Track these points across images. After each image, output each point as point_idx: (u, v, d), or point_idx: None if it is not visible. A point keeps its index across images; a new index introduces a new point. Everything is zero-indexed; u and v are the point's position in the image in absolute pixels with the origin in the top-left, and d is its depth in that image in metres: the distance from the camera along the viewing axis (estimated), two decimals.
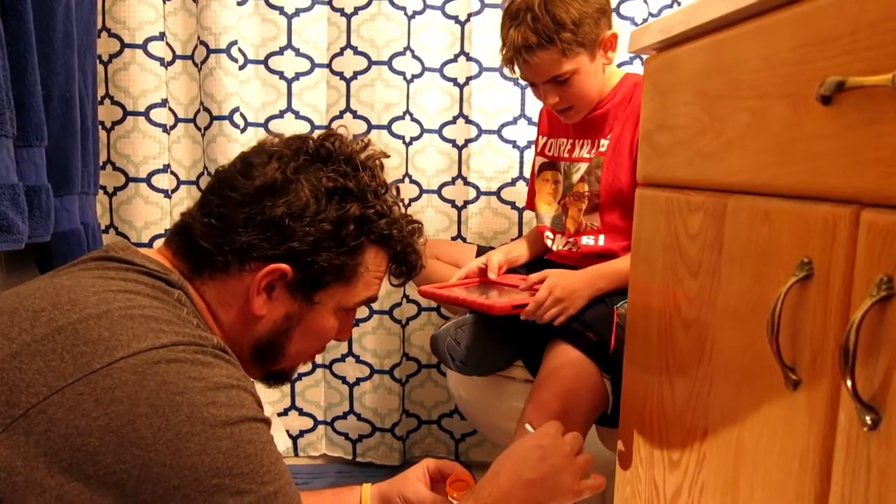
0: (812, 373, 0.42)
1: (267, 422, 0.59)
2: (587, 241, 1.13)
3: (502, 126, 1.54)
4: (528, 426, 0.83)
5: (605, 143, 1.13)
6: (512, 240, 1.46)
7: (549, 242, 1.23)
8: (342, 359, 1.58)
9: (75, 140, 1.03)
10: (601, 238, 1.12)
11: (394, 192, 0.75)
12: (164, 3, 1.42)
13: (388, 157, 0.76)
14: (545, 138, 1.27)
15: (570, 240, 1.17)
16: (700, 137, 0.59)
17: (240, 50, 1.45)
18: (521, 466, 0.74)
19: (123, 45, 1.37)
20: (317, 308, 0.71)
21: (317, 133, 0.74)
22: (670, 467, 0.63)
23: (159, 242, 1.42)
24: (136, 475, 0.51)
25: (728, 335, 0.53)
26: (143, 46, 1.37)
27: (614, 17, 1.51)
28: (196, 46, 1.45)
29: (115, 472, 0.51)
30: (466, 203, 1.57)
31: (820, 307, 0.42)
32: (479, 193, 1.56)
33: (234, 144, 1.44)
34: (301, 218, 0.67)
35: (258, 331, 0.70)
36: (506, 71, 1.25)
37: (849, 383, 0.36)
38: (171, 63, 1.46)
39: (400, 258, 0.75)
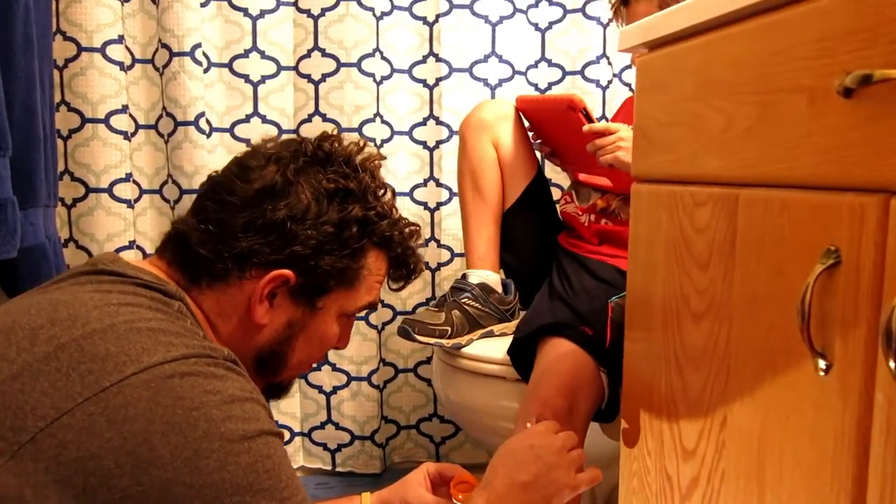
0: (844, 357, 0.43)
1: (281, 435, 0.58)
2: (605, 222, 1.15)
3: None
4: (529, 426, 0.83)
5: None
6: None
7: (563, 203, 1.25)
8: (318, 368, 1.55)
9: (39, 149, 0.98)
10: (618, 226, 1.14)
11: (390, 193, 0.74)
12: (123, 4, 1.36)
13: (385, 158, 0.76)
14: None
15: (592, 215, 1.17)
16: (703, 132, 0.60)
17: (203, 53, 1.41)
18: (514, 470, 0.73)
19: (80, 49, 1.31)
20: (320, 314, 0.69)
21: (312, 135, 0.73)
22: (684, 457, 0.64)
23: (128, 254, 1.37)
24: (155, 497, 0.49)
25: (746, 325, 0.54)
26: (102, 50, 1.32)
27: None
28: (157, 49, 1.40)
29: (131, 496, 0.48)
30: (439, 205, 1.56)
31: (851, 293, 0.43)
32: (452, 195, 1.55)
33: (200, 150, 1.39)
34: (303, 221, 0.65)
35: (259, 341, 0.68)
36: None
37: (892, 364, 0.37)
38: (130, 67, 1.40)
39: (400, 261, 0.74)
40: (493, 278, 1.17)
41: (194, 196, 1.35)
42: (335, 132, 0.74)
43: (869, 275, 0.42)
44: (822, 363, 0.45)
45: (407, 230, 0.74)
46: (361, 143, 0.73)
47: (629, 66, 1.63)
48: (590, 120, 1.07)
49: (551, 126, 1.18)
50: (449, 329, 1.07)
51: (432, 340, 1.06)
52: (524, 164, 1.19)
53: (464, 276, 1.17)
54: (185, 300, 0.63)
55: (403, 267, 0.75)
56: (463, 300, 1.12)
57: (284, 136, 0.73)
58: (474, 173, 1.18)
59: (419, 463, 1.62)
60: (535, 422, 0.84)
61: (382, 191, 0.72)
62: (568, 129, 1.10)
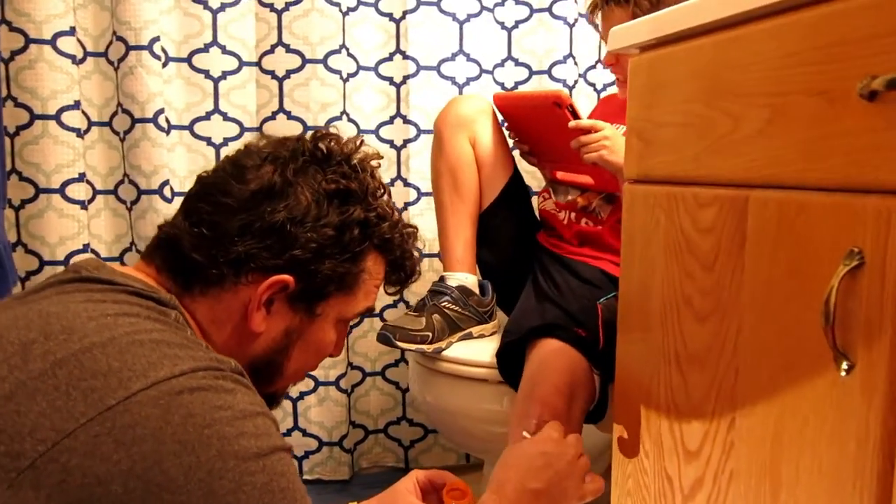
0: (868, 357, 0.44)
1: (290, 449, 0.55)
2: (585, 222, 1.14)
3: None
4: (525, 434, 0.82)
5: None
6: None
7: (542, 200, 1.24)
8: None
9: None
10: (598, 226, 1.13)
11: (388, 194, 0.72)
12: None
13: (382, 157, 0.73)
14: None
15: (572, 213, 1.17)
16: (707, 134, 0.60)
17: (161, 47, 1.35)
18: (526, 475, 0.73)
19: (28, 41, 1.23)
20: (318, 321, 0.66)
21: (308, 133, 0.70)
22: (687, 458, 0.65)
23: (80, 257, 1.29)
24: None
25: (758, 326, 0.54)
26: (52, 42, 1.24)
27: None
28: (111, 42, 1.33)
29: None
30: (407, 205, 1.54)
31: (875, 294, 0.43)
32: (420, 195, 1.53)
33: (159, 149, 1.33)
34: (303, 223, 0.62)
35: (254, 350, 0.65)
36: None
37: None
38: (81, 61, 1.33)
39: (398, 264, 0.72)
40: (472, 280, 1.16)
41: (153, 197, 1.32)
42: (329, 133, 0.70)
43: (894, 276, 0.42)
44: (844, 364, 0.45)
45: (406, 232, 0.72)
46: (359, 142, 0.70)
47: (593, 67, 1.64)
48: (576, 117, 1.07)
49: (532, 122, 1.17)
50: (430, 334, 1.05)
51: (414, 346, 1.04)
52: (502, 162, 1.18)
53: (442, 279, 1.15)
54: (179, 309, 0.59)
55: (402, 270, 0.73)
56: (443, 304, 1.10)
57: (280, 135, 0.70)
58: (452, 172, 1.16)
59: (387, 468, 1.62)
60: (535, 424, 0.83)
61: (382, 191, 0.69)
62: (551, 125, 1.09)
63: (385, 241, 0.68)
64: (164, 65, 1.37)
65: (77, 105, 1.28)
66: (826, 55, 0.47)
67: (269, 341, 0.65)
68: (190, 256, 0.61)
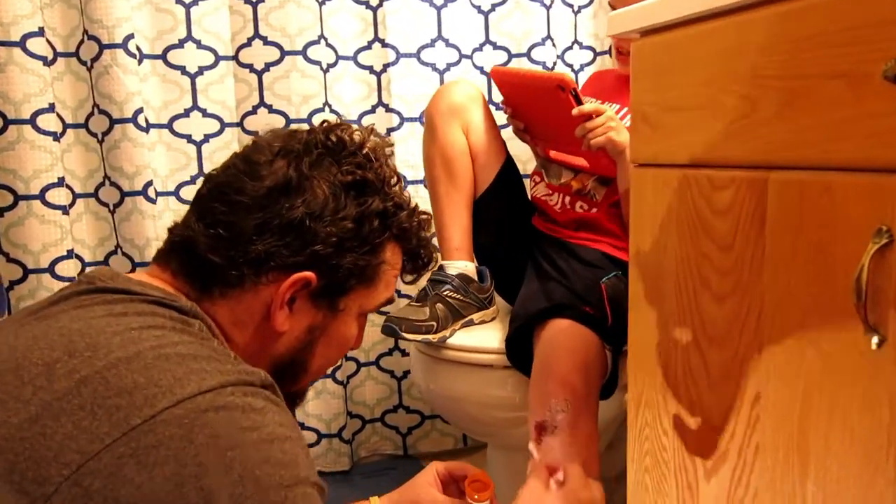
0: None
1: (321, 488, 0.54)
2: (580, 206, 1.14)
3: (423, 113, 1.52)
4: (553, 481, 0.84)
5: None
6: None
7: (532, 185, 1.24)
8: None
9: None
10: (593, 210, 1.14)
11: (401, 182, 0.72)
12: None
13: (393, 144, 0.73)
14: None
15: (566, 197, 1.17)
16: (721, 117, 0.61)
17: (136, 45, 1.31)
18: None
19: None
20: (340, 316, 0.66)
21: (318, 124, 0.69)
22: (709, 433, 0.66)
23: (68, 265, 1.26)
24: None
25: (781, 304, 0.56)
26: (21, 44, 1.20)
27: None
28: (82, 41, 1.29)
29: None
30: None
31: None
32: (406, 183, 1.53)
33: (140, 149, 1.30)
34: (321, 218, 0.61)
35: (278, 350, 0.65)
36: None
37: None
38: (52, 62, 1.28)
39: (415, 252, 0.72)
40: (471, 268, 1.16)
41: (137, 198, 1.29)
42: (339, 123, 0.69)
43: None
44: (875, 338, 0.47)
45: (422, 220, 0.72)
46: (369, 129, 0.69)
47: (570, 48, 1.65)
48: (578, 101, 1.06)
49: (531, 102, 1.16)
50: (434, 324, 1.06)
51: (419, 337, 1.04)
52: (495, 149, 1.18)
53: (441, 268, 1.15)
54: (202, 317, 0.58)
55: (419, 258, 0.73)
56: (444, 293, 1.11)
57: (290, 127, 0.69)
58: (446, 161, 1.16)
59: (386, 455, 1.62)
60: (557, 476, 0.85)
61: (396, 179, 0.69)
62: (552, 107, 1.08)
63: (403, 230, 0.68)
64: (139, 62, 1.33)
65: (52, 108, 1.24)
66: (845, 38, 0.48)
67: (293, 340, 0.64)
68: (207, 259, 0.60)
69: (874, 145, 0.47)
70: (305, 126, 1.44)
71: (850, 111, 0.48)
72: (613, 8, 1.21)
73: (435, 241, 1.43)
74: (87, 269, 0.59)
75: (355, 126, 0.69)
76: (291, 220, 0.60)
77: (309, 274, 0.61)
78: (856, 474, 0.50)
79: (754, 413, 0.60)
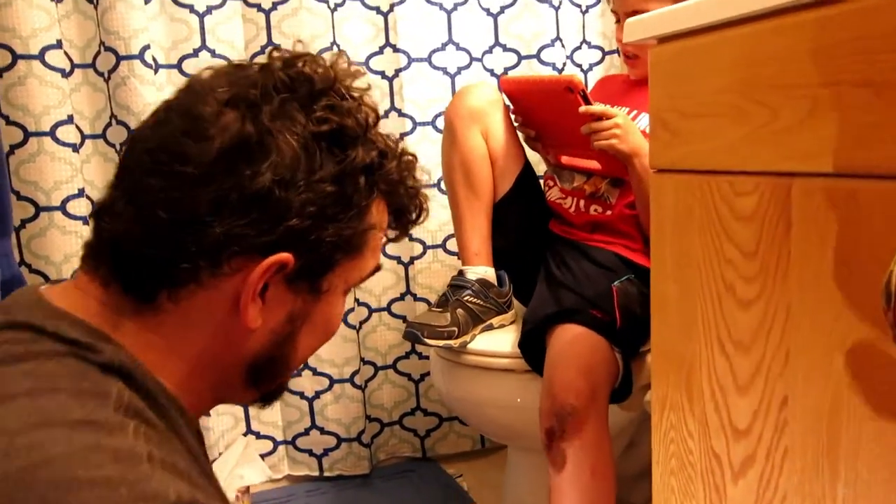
0: None
1: None
2: (595, 209, 1.15)
3: (439, 116, 1.53)
4: None
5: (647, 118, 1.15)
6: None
7: (546, 189, 1.25)
8: (298, 374, 1.51)
9: (3, 173, 0.90)
10: (608, 213, 1.14)
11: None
12: (56, 5, 1.25)
13: (365, 73, 0.59)
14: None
15: (580, 200, 1.18)
16: (743, 125, 0.62)
17: (152, 56, 1.32)
18: None
19: (16, 57, 1.20)
20: (325, 297, 0.54)
21: (261, 58, 0.54)
22: (735, 436, 0.67)
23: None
24: None
25: (808, 309, 0.57)
26: (41, 57, 1.21)
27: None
28: (98, 53, 1.30)
29: None
30: None
31: None
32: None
33: None
34: (293, 183, 0.48)
35: (251, 348, 0.52)
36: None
37: None
38: (69, 73, 1.30)
39: (405, 205, 0.59)
40: (490, 273, 1.17)
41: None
42: (301, 53, 0.54)
43: None
44: None
45: (408, 161, 0.59)
46: (338, 55, 0.55)
47: (579, 48, 1.65)
48: (588, 102, 1.07)
49: (541, 107, 1.17)
50: (455, 329, 1.07)
51: (441, 343, 1.05)
52: (514, 153, 1.19)
53: (461, 273, 1.16)
54: (127, 368, 0.45)
55: (410, 211, 0.60)
56: (465, 298, 1.12)
57: (227, 65, 0.54)
58: (466, 167, 1.16)
59: (404, 458, 1.63)
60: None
61: (375, 117, 0.55)
62: (561, 110, 1.09)
63: (392, 183, 0.56)
64: (156, 72, 1.34)
65: (70, 119, 1.25)
66: (874, 45, 0.49)
67: (269, 334, 0.52)
68: (145, 255, 0.47)
69: None
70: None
71: (874, 119, 0.49)
72: (615, 14, 1.22)
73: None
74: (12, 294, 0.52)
75: (317, 54, 0.54)
76: (256, 190, 0.47)
77: (284, 255, 0.49)
78: (886, 479, 0.51)
79: (782, 417, 0.61)
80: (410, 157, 0.59)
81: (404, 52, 1.50)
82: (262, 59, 0.54)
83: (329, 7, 1.42)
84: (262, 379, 0.55)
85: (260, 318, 0.51)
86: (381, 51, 1.51)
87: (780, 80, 0.57)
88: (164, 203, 0.46)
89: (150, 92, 1.29)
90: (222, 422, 1.47)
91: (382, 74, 1.52)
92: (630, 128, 1.02)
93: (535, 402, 1.07)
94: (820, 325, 0.56)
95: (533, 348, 1.04)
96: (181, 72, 1.39)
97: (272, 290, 0.50)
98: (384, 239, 0.59)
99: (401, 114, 1.52)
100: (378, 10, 1.49)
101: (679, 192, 0.72)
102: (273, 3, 1.39)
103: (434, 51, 1.53)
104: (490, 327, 1.16)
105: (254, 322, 0.50)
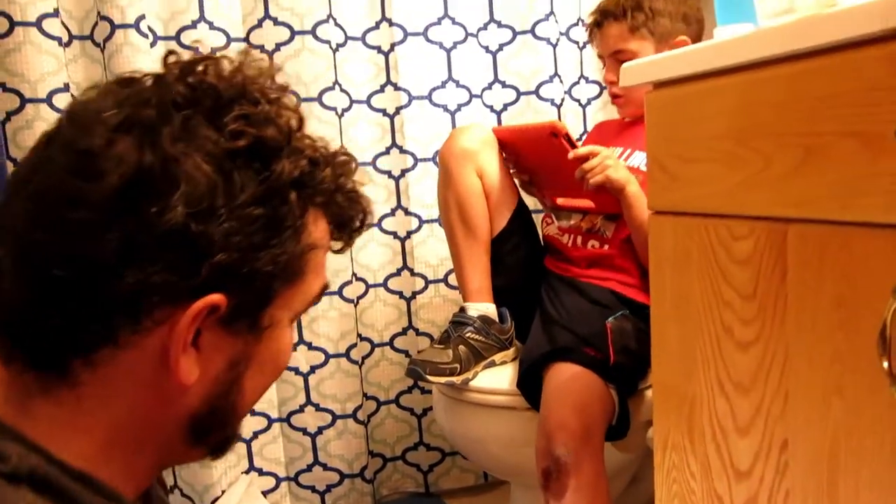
0: None
1: None
2: (592, 245, 1.16)
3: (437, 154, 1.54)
4: None
5: (640, 155, 1.16)
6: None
7: (545, 226, 1.27)
8: (300, 409, 1.51)
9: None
10: (605, 247, 1.16)
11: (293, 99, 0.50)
12: None
13: (281, 69, 0.54)
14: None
15: (578, 236, 1.19)
16: (739, 171, 0.63)
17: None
18: None
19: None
20: (268, 333, 0.47)
21: (169, 64, 0.46)
22: (738, 478, 0.67)
23: None
24: None
25: (805, 352, 0.57)
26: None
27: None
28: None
29: None
30: (410, 233, 1.55)
31: None
32: (422, 222, 1.55)
33: None
34: (212, 213, 0.41)
35: (190, 404, 0.46)
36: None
37: None
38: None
39: (347, 214, 0.52)
40: (491, 309, 1.18)
41: None
42: (199, 57, 0.46)
43: None
44: None
45: (344, 168, 0.51)
46: (244, 52, 0.48)
47: (577, 83, 1.68)
48: (572, 145, 1.10)
49: (531, 153, 1.20)
50: (458, 366, 1.07)
51: (444, 380, 1.05)
52: (508, 190, 1.21)
53: (462, 310, 1.17)
54: (35, 476, 0.40)
55: (352, 221, 0.53)
56: (467, 334, 1.12)
57: (113, 82, 0.47)
58: (462, 206, 1.18)
59: (408, 493, 1.62)
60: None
61: (298, 120, 0.48)
62: (549, 155, 1.12)
63: (327, 193, 0.49)
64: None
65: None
66: (860, 98, 0.50)
67: (209, 385, 0.46)
68: (45, 326, 0.40)
69: (890, 203, 0.49)
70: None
71: (865, 169, 0.50)
72: (600, 57, 1.26)
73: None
74: None
75: (221, 54, 0.47)
76: (168, 228, 0.40)
77: (214, 297, 0.42)
78: None
79: (783, 459, 0.61)
80: (345, 158, 0.51)
81: (405, 90, 1.53)
82: (157, 69, 0.46)
83: (331, 48, 1.45)
84: (208, 434, 0.49)
85: (196, 370, 0.44)
86: (382, 89, 1.54)
87: (774, 128, 0.59)
88: (58, 259, 0.40)
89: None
90: (225, 459, 1.46)
91: (384, 112, 1.54)
92: (617, 159, 1.05)
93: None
94: (817, 368, 0.56)
95: (531, 386, 1.05)
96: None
97: (206, 336, 0.44)
98: (327, 253, 0.52)
99: (402, 150, 1.54)
100: (379, 49, 1.52)
101: (678, 234, 0.73)
102: (276, 44, 1.42)
103: (434, 88, 1.56)
104: (492, 364, 1.16)
105: (188, 377, 0.44)
